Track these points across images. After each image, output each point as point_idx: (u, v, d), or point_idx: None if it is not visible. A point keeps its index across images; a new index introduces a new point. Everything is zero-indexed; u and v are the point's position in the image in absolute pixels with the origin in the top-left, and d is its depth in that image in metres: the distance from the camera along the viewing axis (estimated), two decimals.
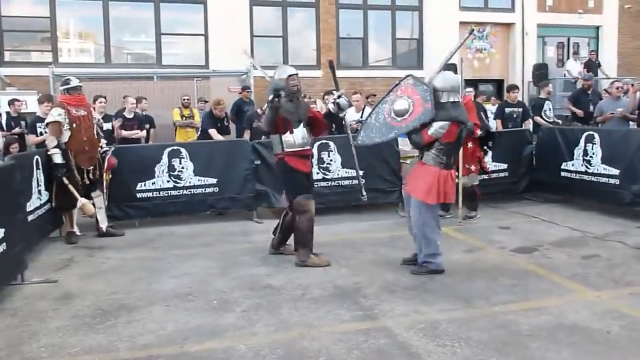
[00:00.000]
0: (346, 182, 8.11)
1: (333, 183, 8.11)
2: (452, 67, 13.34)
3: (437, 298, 4.75)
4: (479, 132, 7.38)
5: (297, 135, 5.66)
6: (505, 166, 8.80)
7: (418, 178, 5.34)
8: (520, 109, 9.86)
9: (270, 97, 5.42)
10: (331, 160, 8.06)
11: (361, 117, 8.90)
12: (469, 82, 12.01)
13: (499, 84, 15.75)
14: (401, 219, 7.52)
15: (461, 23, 15.12)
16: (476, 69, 15.67)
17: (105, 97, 9.22)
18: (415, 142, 5.29)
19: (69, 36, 13.97)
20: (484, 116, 8.41)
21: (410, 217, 5.48)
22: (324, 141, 8.03)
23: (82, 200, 6.76)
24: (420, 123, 5.17)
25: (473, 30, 7.02)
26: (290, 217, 5.90)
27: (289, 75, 5.65)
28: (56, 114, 6.81)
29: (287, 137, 5.63)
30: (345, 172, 8.08)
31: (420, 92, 5.22)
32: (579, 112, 10.39)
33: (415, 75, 5.67)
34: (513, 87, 10.16)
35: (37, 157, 6.66)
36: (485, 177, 8.53)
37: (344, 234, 7.02)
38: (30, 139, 8.73)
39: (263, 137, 7.76)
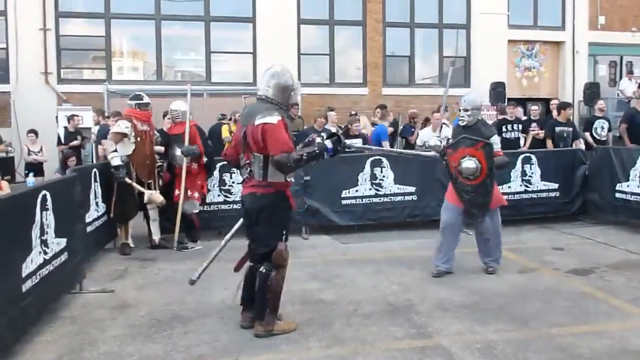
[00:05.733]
0: (398, 199, 8.14)
1: (385, 199, 8.15)
2: (500, 85, 13.32)
3: (492, 318, 4.68)
4: (204, 159, 7.44)
5: None
6: (556, 186, 8.64)
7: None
8: (571, 129, 9.68)
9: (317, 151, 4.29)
10: (384, 176, 8.11)
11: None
12: (517, 101, 11.85)
13: (547, 103, 15.50)
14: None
15: (510, 41, 15.00)
16: (524, 87, 15.47)
17: None
18: (505, 162, 6.06)
19: (123, 54, 14.45)
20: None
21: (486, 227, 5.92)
22: (377, 157, 8.11)
23: (149, 192, 7.03)
24: (492, 154, 5.69)
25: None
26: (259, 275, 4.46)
27: (293, 87, 4.51)
28: (123, 126, 7.04)
29: None
30: (398, 189, 8.10)
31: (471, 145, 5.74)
32: (627, 143, 9.92)
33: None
34: (566, 106, 9.96)
35: (95, 170, 6.88)
36: (533, 196, 8.44)
37: (394, 251, 7.00)
38: (100, 148, 8.94)
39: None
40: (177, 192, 7.39)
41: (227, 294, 5.31)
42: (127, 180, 6.91)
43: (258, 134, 4.22)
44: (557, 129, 9.62)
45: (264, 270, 4.38)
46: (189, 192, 7.42)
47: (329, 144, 4.31)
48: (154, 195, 7.08)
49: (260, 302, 4.38)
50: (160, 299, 5.30)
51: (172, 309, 5.01)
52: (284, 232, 4.43)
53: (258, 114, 4.26)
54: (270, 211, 4.36)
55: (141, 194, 7.07)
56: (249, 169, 4.39)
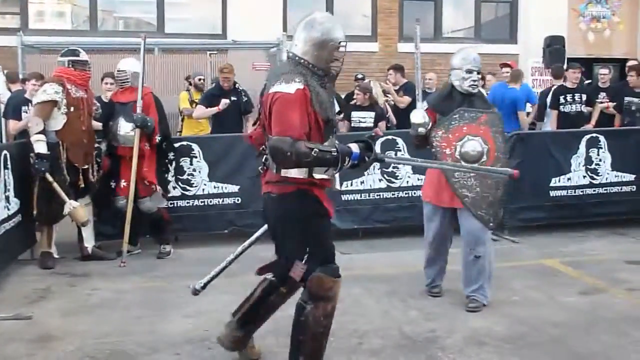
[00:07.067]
0: (418, 193, 8.13)
1: (401, 194, 8.24)
2: (558, 41, 13.30)
3: (544, 356, 4.73)
4: (157, 138, 7.45)
5: None
6: (632, 177, 8.70)
7: None
8: None
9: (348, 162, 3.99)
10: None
11: None
12: (582, 62, 11.87)
13: (622, 64, 15.53)
14: None
15: None
16: (591, 44, 15.49)
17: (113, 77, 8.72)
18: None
19: None
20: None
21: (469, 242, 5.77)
22: (389, 137, 8.17)
23: (72, 203, 6.91)
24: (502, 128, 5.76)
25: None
26: (277, 296, 4.62)
27: (339, 43, 4.17)
28: (52, 91, 6.99)
29: None
30: (418, 179, 8.12)
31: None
32: None
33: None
34: (636, 68, 9.98)
35: (5, 152, 6.84)
36: (601, 191, 8.47)
37: (411, 265, 7.00)
38: (12, 124, 8.72)
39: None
40: (123, 182, 7.38)
41: (187, 323, 5.34)
42: (49, 177, 6.85)
43: (267, 105, 4.01)
44: (626, 99, 9.70)
45: (299, 301, 4.16)
46: (146, 182, 7.41)
47: (355, 148, 3.98)
48: (77, 212, 6.94)
49: (293, 344, 4.16)
50: (96, 328, 5.30)
51: (111, 342, 5.01)
52: (307, 249, 4.05)
53: (276, 80, 4.01)
54: (287, 220, 4.10)
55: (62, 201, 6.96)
56: (264, 156, 4.20)
